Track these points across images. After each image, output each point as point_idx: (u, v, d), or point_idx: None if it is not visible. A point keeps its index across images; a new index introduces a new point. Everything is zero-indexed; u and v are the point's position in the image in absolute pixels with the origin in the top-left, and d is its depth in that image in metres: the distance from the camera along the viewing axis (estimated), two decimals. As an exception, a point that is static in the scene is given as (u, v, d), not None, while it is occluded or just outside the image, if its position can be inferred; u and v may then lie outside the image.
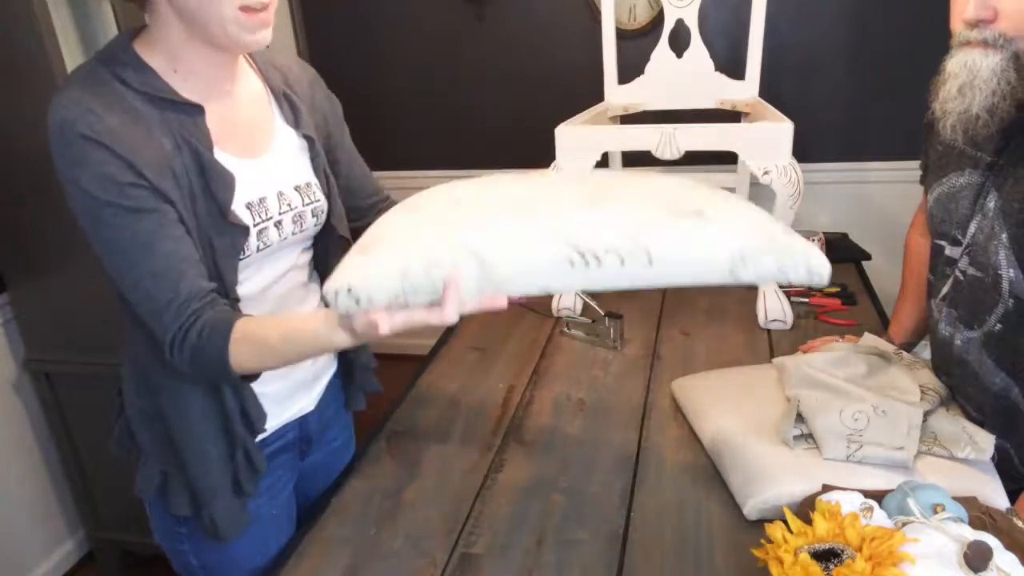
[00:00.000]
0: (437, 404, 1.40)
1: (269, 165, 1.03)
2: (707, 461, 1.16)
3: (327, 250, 1.15)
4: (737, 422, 1.16)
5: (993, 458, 1.03)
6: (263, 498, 1.12)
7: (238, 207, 0.96)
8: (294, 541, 1.07)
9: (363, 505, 1.13)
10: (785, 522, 0.86)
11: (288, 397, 1.13)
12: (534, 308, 1.72)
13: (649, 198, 0.87)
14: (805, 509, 0.91)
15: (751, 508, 1.03)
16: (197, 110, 0.94)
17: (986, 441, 1.03)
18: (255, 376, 1.00)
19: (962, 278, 1.07)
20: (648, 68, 1.96)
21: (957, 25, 0.96)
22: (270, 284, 1.06)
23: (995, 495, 0.98)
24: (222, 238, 0.94)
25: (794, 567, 0.80)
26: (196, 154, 0.92)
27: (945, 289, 1.11)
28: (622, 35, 2.32)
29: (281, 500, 1.17)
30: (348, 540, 1.06)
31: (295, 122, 1.07)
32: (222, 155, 0.96)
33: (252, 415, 1.03)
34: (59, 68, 1.59)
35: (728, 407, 1.21)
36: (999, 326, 1.01)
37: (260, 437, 1.09)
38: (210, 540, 1.06)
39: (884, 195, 2.46)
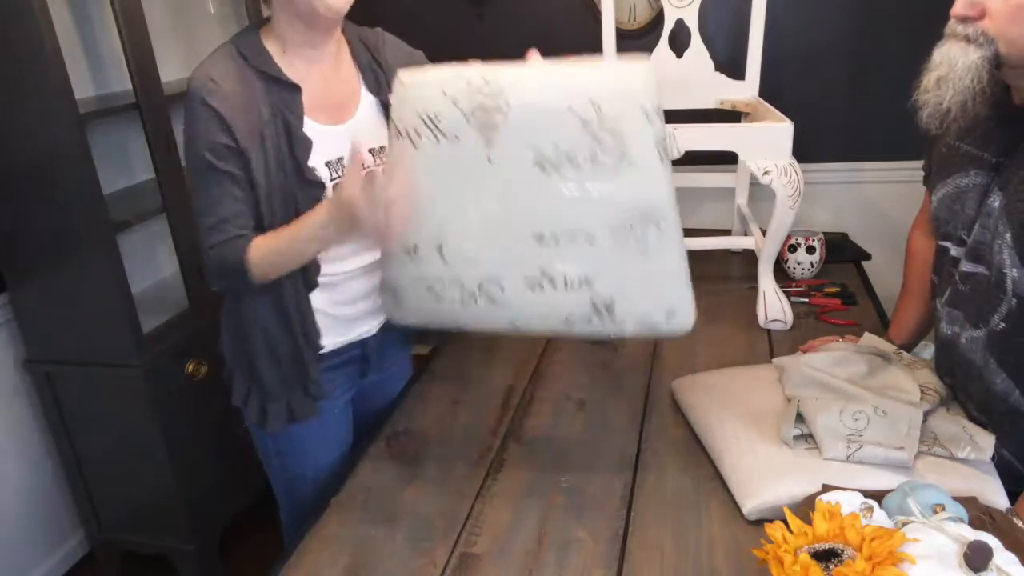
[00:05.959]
0: (437, 404, 1.40)
1: (351, 129, 1.22)
2: (707, 461, 1.16)
3: None
4: (737, 422, 1.16)
5: (993, 458, 1.03)
6: (325, 400, 1.32)
7: (317, 165, 1.17)
8: (295, 541, 1.08)
9: (363, 505, 1.14)
10: (785, 522, 0.86)
11: (353, 321, 1.32)
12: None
13: None
14: (805, 509, 0.91)
15: (751, 508, 1.03)
16: (295, 88, 1.16)
17: (986, 441, 1.03)
18: (314, 284, 1.23)
19: (967, 278, 1.07)
20: (648, 68, 1.96)
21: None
22: None
23: (995, 495, 0.98)
24: (304, 191, 1.16)
25: (794, 567, 0.80)
26: (287, 123, 1.15)
27: (950, 289, 1.11)
28: (622, 35, 2.32)
29: (340, 404, 1.37)
30: (348, 540, 1.06)
31: (377, 89, 1.26)
32: (311, 123, 1.17)
33: (310, 333, 1.25)
34: (59, 68, 1.58)
35: (728, 407, 1.20)
36: (1002, 325, 1.01)
37: (328, 349, 1.30)
38: (284, 432, 1.30)
39: (884, 195, 2.45)
